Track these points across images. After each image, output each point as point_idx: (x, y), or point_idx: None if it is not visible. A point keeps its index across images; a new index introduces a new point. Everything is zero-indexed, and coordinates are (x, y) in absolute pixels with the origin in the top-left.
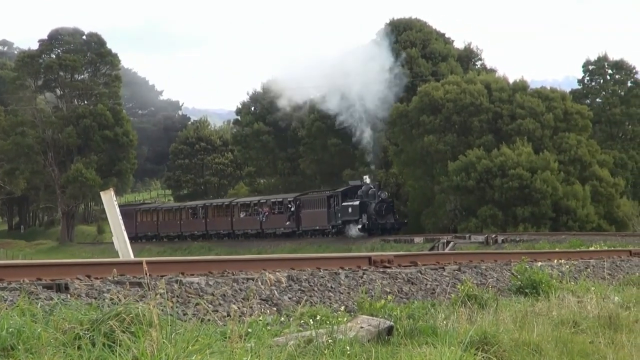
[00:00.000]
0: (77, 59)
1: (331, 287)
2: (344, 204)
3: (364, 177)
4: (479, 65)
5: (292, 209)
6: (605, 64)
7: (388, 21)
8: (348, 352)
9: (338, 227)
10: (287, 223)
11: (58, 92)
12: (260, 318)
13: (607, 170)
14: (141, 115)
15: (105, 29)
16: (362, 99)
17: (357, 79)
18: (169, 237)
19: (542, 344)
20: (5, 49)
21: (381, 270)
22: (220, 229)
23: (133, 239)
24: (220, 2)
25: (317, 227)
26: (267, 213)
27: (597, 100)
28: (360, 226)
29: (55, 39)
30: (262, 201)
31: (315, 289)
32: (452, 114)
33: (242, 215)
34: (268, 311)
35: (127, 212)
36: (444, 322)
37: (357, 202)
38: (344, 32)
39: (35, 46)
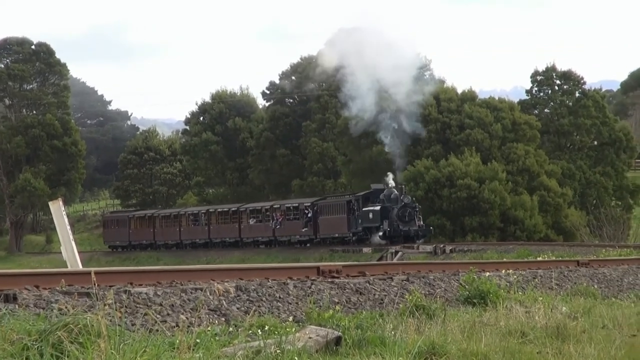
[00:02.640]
0: (26, 69)
1: (280, 297)
2: (364, 209)
3: (386, 178)
4: (427, 76)
5: (309, 214)
6: (554, 74)
7: (337, 30)
8: None
9: (358, 235)
10: (304, 230)
11: (7, 101)
12: (209, 328)
13: (555, 180)
14: (90, 125)
15: (53, 38)
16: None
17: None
18: (167, 245)
19: (490, 354)
20: None
21: (330, 280)
22: (227, 237)
23: (126, 248)
24: (169, 13)
25: (337, 235)
26: (280, 219)
27: (545, 110)
28: (381, 233)
29: (4, 48)
30: (275, 206)
31: (264, 299)
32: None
33: (251, 221)
34: (216, 321)
35: (120, 220)
36: (392, 333)
37: (378, 207)
38: (294, 40)
39: None
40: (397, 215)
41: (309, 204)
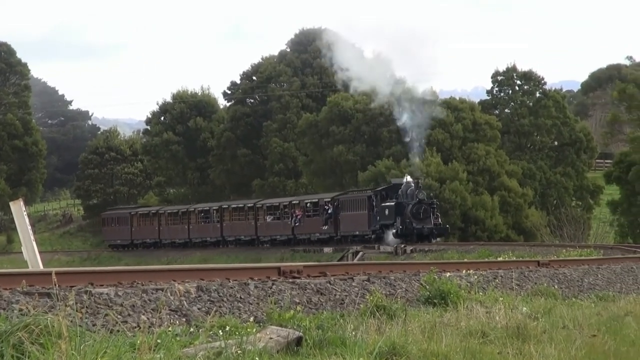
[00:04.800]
0: None
1: (240, 298)
2: (382, 204)
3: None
4: (388, 76)
5: (330, 211)
6: (514, 74)
7: (298, 31)
8: None
9: (377, 232)
10: (325, 228)
11: None
12: (170, 329)
13: (515, 180)
14: (51, 124)
15: (14, 38)
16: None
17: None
18: (174, 244)
19: (451, 355)
20: None
21: (290, 280)
22: (242, 235)
23: (128, 247)
24: (130, 13)
25: (357, 233)
26: (300, 216)
27: (506, 110)
28: (394, 231)
29: None
30: (294, 202)
31: (225, 299)
32: (362, 124)
33: (268, 218)
34: (177, 322)
35: (121, 217)
36: (353, 333)
37: (393, 203)
38: (257, 40)
39: None
40: (410, 212)
41: (329, 200)
